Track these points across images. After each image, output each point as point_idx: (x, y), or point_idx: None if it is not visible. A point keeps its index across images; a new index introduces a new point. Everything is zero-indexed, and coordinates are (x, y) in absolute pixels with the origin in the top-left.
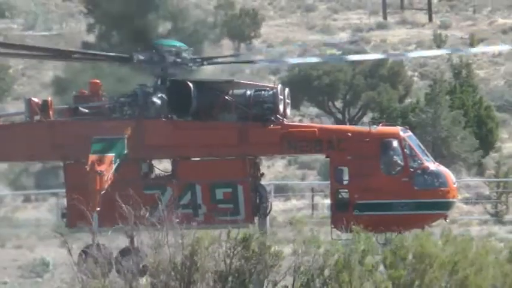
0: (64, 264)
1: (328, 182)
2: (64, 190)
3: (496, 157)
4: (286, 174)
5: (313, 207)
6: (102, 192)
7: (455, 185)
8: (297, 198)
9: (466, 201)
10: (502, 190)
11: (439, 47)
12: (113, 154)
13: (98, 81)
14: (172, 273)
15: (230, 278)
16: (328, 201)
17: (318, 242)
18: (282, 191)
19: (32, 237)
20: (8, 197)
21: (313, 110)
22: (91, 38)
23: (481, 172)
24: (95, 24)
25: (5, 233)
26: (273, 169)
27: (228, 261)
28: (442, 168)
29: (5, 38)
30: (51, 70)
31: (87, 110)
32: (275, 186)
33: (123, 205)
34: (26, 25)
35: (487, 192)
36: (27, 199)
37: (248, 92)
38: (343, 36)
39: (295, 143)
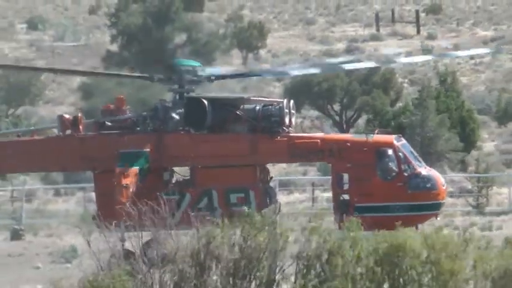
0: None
1: (327, 177)
2: (90, 184)
3: (476, 155)
4: (289, 171)
5: (314, 200)
6: (128, 201)
7: (444, 187)
8: (299, 191)
9: (451, 194)
10: (482, 184)
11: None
12: (137, 167)
13: (122, 96)
14: (189, 260)
15: (243, 263)
16: (327, 194)
17: (318, 230)
18: (285, 185)
19: (61, 226)
20: (40, 191)
21: (314, 113)
22: (114, 48)
23: (464, 168)
24: (118, 36)
25: (38, 223)
26: (278, 166)
27: (240, 247)
28: (433, 173)
29: (38, 48)
30: (78, 77)
31: (113, 124)
32: (279, 181)
33: (147, 208)
34: (56, 36)
35: (469, 186)
36: (57, 193)
37: (257, 107)
38: (340, 46)
39: (300, 152)
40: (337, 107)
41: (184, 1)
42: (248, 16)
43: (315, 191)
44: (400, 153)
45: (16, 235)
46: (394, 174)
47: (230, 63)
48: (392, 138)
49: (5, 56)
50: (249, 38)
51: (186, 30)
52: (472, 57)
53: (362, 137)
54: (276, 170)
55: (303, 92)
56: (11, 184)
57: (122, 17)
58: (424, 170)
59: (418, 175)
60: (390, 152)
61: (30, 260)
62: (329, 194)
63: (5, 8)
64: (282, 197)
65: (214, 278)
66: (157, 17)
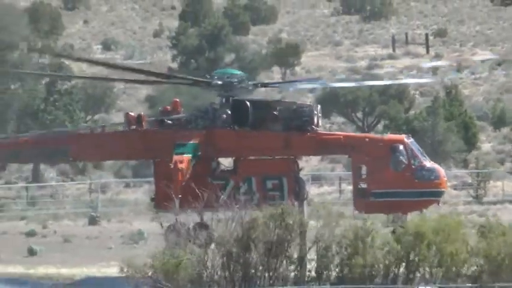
0: (155, 234)
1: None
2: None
3: (476, 154)
4: (320, 167)
5: (340, 192)
6: (183, 183)
7: (445, 178)
8: (328, 185)
9: (454, 187)
10: (481, 179)
11: (434, 72)
12: (191, 155)
13: (177, 100)
14: (234, 243)
15: (274, 246)
16: (351, 187)
17: (340, 217)
18: (317, 179)
19: (130, 214)
20: (113, 184)
21: (340, 119)
22: (174, 65)
23: (465, 165)
24: (178, 55)
25: (111, 211)
26: (310, 163)
27: (272, 232)
28: (436, 166)
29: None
30: (144, 89)
31: (170, 122)
32: (312, 176)
33: (198, 192)
34: (126, 55)
35: (470, 180)
36: (127, 185)
37: (291, 109)
38: (362, 64)
39: (326, 147)
40: (360, 114)
41: (232, 26)
42: (286, 38)
43: (342, 184)
44: (409, 149)
45: (93, 221)
46: (404, 166)
47: (271, 77)
48: (403, 136)
49: (83, 71)
50: (287, 56)
51: (234, 50)
52: (472, 73)
53: (378, 135)
54: (309, 167)
55: (331, 101)
56: (89, 178)
57: (181, 40)
58: (429, 163)
59: (423, 167)
60: (401, 147)
61: (105, 241)
62: None
63: (84, 32)
64: (313, 189)
65: (254, 257)
66: (211, 39)
